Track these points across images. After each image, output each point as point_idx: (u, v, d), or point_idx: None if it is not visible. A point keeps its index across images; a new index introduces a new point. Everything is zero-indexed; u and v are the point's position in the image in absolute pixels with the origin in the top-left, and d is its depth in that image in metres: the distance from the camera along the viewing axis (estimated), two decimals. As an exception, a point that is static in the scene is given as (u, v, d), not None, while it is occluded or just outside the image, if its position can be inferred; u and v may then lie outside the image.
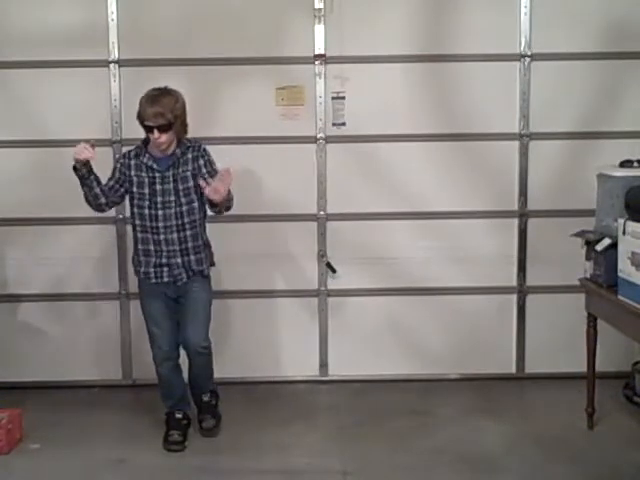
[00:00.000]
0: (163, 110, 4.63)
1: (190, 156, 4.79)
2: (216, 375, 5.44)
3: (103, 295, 5.74)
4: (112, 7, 5.54)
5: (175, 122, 4.68)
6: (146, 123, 4.68)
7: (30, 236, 5.70)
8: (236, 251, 5.64)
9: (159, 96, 4.69)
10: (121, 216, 5.65)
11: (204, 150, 4.84)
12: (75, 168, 4.63)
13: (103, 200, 4.74)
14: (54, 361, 5.78)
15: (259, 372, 5.80)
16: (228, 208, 4.79)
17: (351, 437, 4.99)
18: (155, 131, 4.66)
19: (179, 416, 4.95)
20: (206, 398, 5.05)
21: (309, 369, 5.85)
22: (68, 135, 5.59)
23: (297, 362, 5.83)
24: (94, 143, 4.65)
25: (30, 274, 5.70)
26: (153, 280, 4.82)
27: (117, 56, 5.57)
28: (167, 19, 5.60)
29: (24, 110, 5.63)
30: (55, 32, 5.54)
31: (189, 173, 4.77)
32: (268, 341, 5.77)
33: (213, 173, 4.77)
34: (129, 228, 5.59)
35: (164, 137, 4.68)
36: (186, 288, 4.84)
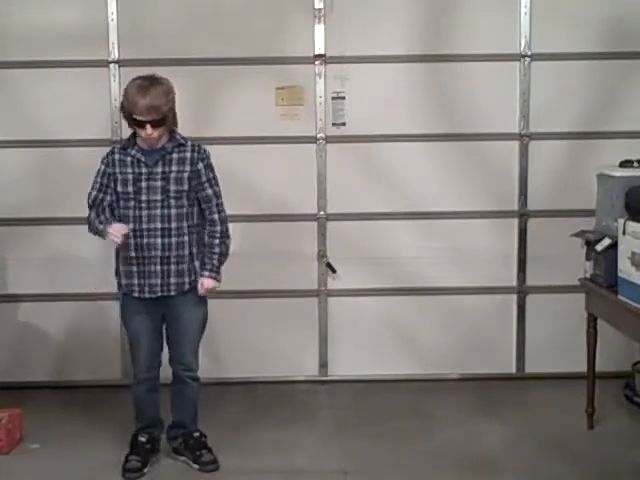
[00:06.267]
0: (157, 103, 4.22)
1: (189, 156, 4.41)
2: (216, 375, 5.47)
3: (103, 295, 5.73)
4: (112, 7, 5.54)
5: (168, 115, 4.30)
6: (138, 117, 4.26)
7: (30, 236, 5.70)
8: (236, 251, 5.61)
9: (150, 87, 4.25)
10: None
11: (204, 152, 4.46)
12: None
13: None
14: (54, 361, 5.79)
15: (259, 372, 5.79)
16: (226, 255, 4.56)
17: (351, 437, 4.98)
18: (148, 127, 4.25)
19: (142, 439, 4.60)
20: (197, 434, 4.65)
21: (309, 369, 5.85)
22: (68, 135, 5.62)
23: (297, 362, 5.83)
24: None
25: (30, 274, 5.70)
26: (136, 294, 4.44)
27: (117, 56, 5.57)
28: (167, 19, 5.61)
29: (24, 110, 5.63)
30: (55, 32, 5.54)
31: (186, 175, 4.39)
32: (268, 341, 5.76)
33: (213, 182, 4.47)
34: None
35: (156, 133, 4.29)
36: (176, 306, 4.48)
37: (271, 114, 5.64)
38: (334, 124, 5.69)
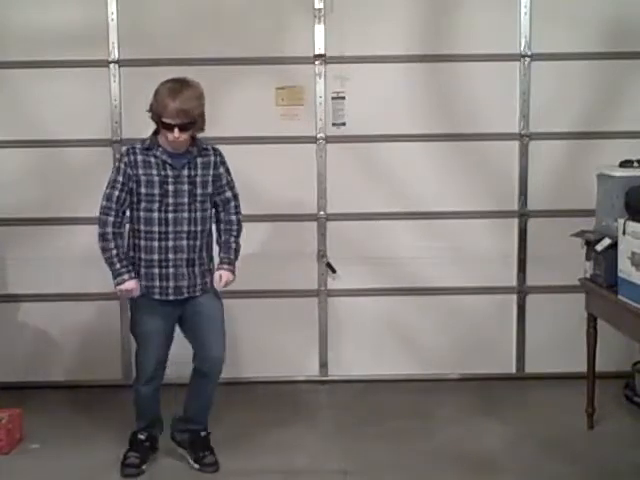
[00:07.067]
0: (188, 107, 4.19)
1: (212, 160, 4.45)
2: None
3: (103, 295, 5.73)
4: (112, 7, 5.54)
5: (197, 119, 4.28)
6: (166, 120, 4.21)
7: (30, 236, 5.70)
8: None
9: (181, 89, 4.21)
10: (121, 216, 5.65)
11: (223, 155, 4.51)
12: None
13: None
14: (54, 361, 5.79)
15: (259, 372, 5.80)
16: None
17: (351, 437, 4.98)
18: (176, 130, 4.21)
19: (141, 437, 4.62)
20: (204, 434, 4.65)
21: (309, 369, 5.85)
22: (68, 135, 5.61)
23: (297, 362, 5.83)
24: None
25: (30, 274, 5.70)
26: (157, 297, 4.42)
27: (117, 56, 5.57)
28: (167, 19, 5.61)
29: (24, 110, 5.63)
30: (55, 32, 5.54)
31: (210, 179, 4.43)
32: (268, 341, 5.77)
33: (232, 184, 4.55)
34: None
35: (184, 136, 4.26)
36: (195, 303, 4.49)
37: (271, 114, 5.64)
38: (334, 124, 5.69)
